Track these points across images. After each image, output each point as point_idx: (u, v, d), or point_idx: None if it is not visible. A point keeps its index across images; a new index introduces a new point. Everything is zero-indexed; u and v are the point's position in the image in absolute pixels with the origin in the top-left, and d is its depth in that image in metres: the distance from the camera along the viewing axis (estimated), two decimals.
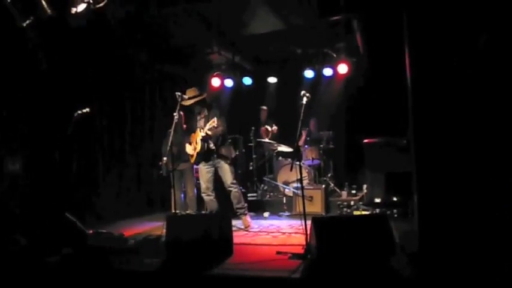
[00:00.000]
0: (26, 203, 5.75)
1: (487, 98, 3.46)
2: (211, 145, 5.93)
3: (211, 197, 6.09)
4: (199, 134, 5.93)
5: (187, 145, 6.19)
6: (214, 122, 5.70)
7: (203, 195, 6.12)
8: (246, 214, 6.11)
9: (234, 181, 6.06)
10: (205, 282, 3.70)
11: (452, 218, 3.46)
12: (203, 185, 6.08)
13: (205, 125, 5.86)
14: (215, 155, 5.99)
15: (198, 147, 5.96)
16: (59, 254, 4.41)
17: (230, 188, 6.03)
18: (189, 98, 5.95)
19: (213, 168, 6.06)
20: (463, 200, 3.43)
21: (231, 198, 6.09)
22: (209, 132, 5.77)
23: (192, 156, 6.13)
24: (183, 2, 5.39)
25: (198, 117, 6.14)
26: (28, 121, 5.96)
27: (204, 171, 6.06)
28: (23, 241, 4.65)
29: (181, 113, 6.43)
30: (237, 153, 6.21)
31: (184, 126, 6.70)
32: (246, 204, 6.23)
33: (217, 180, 6.17)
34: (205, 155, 5.99)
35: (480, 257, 3.08)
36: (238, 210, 6.08)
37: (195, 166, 6.57)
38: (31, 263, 4.21)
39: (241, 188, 6.64)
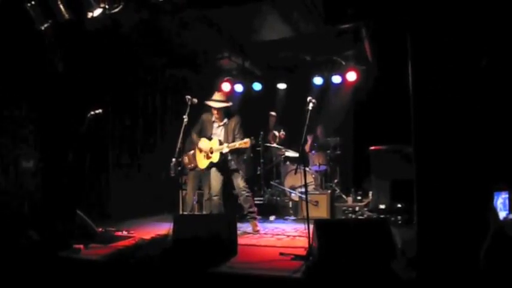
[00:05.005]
0: (39, 199, 5.92)
1: (486, 109, 3.57)
2: (230, 159, 5.96)
3: (221, 201, 6.07)
4: (216, 144, 5.88)
5: (197, 150, 6.13)
6: (247, 143, 5.64)
7: (215, 197, 6.04)
8: (255, 218, 6.14)
9: (246, 185, 6.10)
10: (209, 278, 3.81)
11: (450, 224, 3.55)
12: (216, 187, 6.02)
13: (226, 136, 5.89)
14: (230, 164, 6.02)
15: (215, 159, 5.90)
16: (70, 249, 4.59)
17: (242, 192, 6.04)
18: (218, 101, 5.93)
19: (226, 173, 6.08)
20: (460, 207, 3.52)
21: (242, 202, 6.11)
22: (238, 146, 5.69)
23: (200, 161, 6.11)
24: (194, 8, 5.53)
25: (216, 125, 6.07)
26: (43, 120, 6.15)
27: (217, 174, 6.04)
28: (36, 236, 4.81)
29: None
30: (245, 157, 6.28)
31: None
32: (256, 209, 6.23)
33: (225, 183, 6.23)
34: (221, 166, 6.00)
35: (476, 261, 3.16)
36: (249, 214, 6.10)
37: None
38: (43, 257, 4.36)
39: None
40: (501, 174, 3.54)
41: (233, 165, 6.04)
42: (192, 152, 6.65)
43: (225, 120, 6.05)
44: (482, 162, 3.50)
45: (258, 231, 6.01)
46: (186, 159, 6.51)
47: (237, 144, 5.69)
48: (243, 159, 6.24)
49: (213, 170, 6.08)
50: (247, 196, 6.08)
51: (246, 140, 5.68)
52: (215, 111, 6.01)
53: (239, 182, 6.05)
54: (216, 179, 6.07)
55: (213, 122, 6.09)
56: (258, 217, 6.49)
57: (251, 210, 6.10)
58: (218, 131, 6.05)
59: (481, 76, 3.55)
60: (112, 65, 7.06)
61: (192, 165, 6.76)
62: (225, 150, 5.78)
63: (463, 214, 3.47)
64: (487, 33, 3.58)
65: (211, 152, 5.96)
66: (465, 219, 3.45)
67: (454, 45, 3.64)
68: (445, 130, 3.65)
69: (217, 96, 6.04)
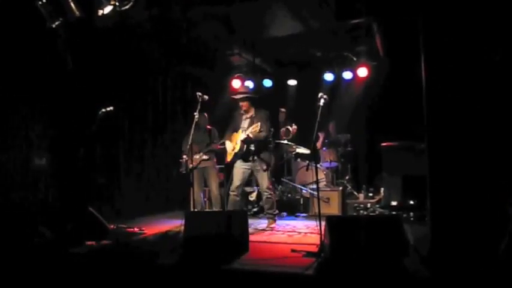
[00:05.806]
0: (51, 197, 5.97)
1: (501, 104, 3.51)
2: (252, 147, 5.87)
3: (238, 198, 5.98)
4: (241, 135, 5.87)
5: (227, 142, 6.12)
6: (257, 126, 5.58)
7: (231, 193, 5.97)
8: (275, 220, 6.07)
9: (270, 186, 6.03)
10: (221, 276, 3.81)
11: (464, 221, 3.50)
12: (235, 183, 5.96)
13: (248, 127, 5.78)
14: (255, 157, 5.90)
15: (237, 148, 5.91)
16: (82, 246, 4.62)
17: (265, 193, 5.98)
18: (240, 93, 6.05)
19: (249, 170, 5.99)
20: (476, 203, 3.48)
21: (264, 202, 6.11)
22: (251, 135, 5.67)
23: (229, 154, 6.10)
24: (205, 5, 5.52)
25: (244, 117, 6.05)
26: (54, 118, 6.18)
27: (240, 170, 5.96)
28: (48, 234, 4.85)
29: (206, 114, 6.59)
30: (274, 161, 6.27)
31: (209, 127, 6.77)
32: (277, 211, 6.17)
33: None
34: (243, 155, 5.93)
35: (490, 258, 3.12)
36: (268, 214, 6.06)
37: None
38: (56, 254, 4.40)
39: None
40: None
41: (259, 162, 5.92)
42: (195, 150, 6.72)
43: (252, 113, 6.01)
44: (501, 157, 3.44)
45: (271, 228, 5.96)
46: (185, 160, 6.54)
47: (250, 129, 5.66)
48: (268, 149, 6.17)
49: (236, 165, 6.02)
50: (267, 198, 6.01)
51: (256, 124, 5.64)
52: (241, 104, 6.03)
53: (263, 182, 5.96)
54: (237, 175, 6.00)
55: (242, 114, 6.08)
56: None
57: (270, 212, 6.04)
58: (245, 124, 6.00)
59: (497, 70, 3.49)
60: (123, 62, 7.08)
61: (193, 163, 6.76)
62: (243, 136, 5.78)
63: (479, 210, 3.42)
64: (501, 26, 3.51)
65: (236, 143, 5.98)
66: (481, 215, 3.41)
67: (468, 38, 3.59)
68: (459, 125, 3.59)
69: (241, 89, 6.31)
